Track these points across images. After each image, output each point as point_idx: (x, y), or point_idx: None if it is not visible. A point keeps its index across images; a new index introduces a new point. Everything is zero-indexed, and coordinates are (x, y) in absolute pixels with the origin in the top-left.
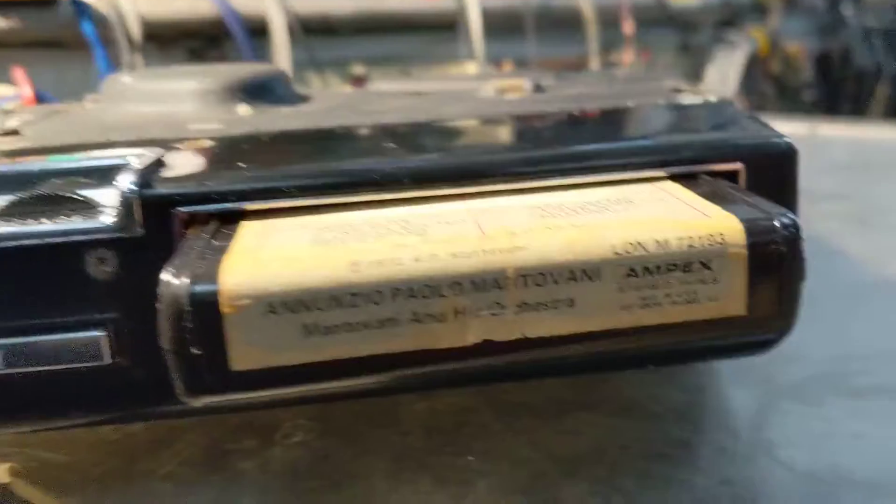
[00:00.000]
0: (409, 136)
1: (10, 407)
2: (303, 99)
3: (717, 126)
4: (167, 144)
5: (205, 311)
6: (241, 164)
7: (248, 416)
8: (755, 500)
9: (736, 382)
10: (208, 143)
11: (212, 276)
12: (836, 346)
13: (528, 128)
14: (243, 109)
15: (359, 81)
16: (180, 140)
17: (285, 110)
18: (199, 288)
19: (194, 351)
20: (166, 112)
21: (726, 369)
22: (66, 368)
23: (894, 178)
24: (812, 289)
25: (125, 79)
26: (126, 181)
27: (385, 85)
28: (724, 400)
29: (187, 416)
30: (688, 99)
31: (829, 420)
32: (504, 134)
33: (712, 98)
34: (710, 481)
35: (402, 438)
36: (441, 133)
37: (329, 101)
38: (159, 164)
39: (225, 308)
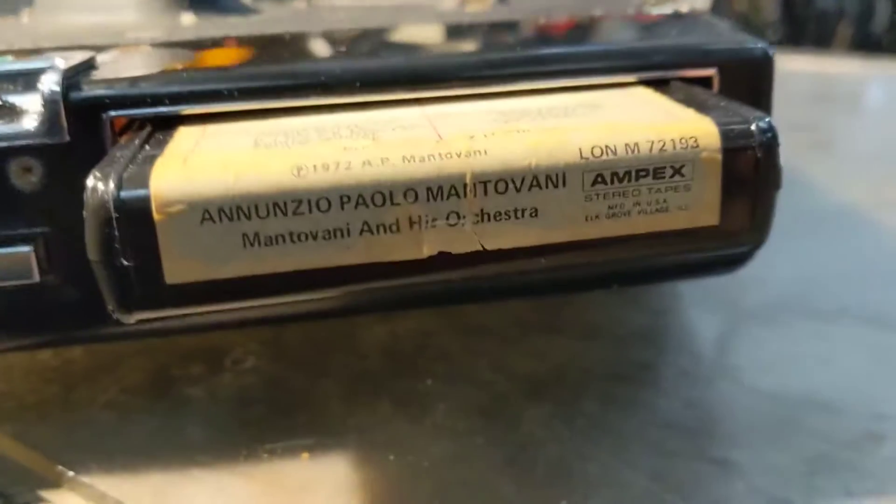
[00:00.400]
0: (361, 41)
1: None
2: (251, 10)
3: (689, 32)
4: (101, 49)
5: (134, 219)
6: (178, 66)
7: (196, 341)
8: (719, 421)
9: (700, 305)
10: (145, 49)
11: (142, 181)
12: (800, 269)
13: (491, 34)
14: (188, 18)
15: None
16: (117, 45)
17: (232, 20)
18: (128, 193)
19: (124, 262)
20: (104, 21)
21: (690, 293)
22: None
23: (857, 110)
24: (776, 214)
25: None
26: (50, 83)
27: None
28: (688, 323)
29: (126, 340)
30: (659, 8)
31: (794, 343)
32: (463, 39)
33: (684, 8)
34: (674, 403)
35: (359, 362)
36: (395, 39)
37: (279, 12)
38: (90, 66)
39: (156, 215)
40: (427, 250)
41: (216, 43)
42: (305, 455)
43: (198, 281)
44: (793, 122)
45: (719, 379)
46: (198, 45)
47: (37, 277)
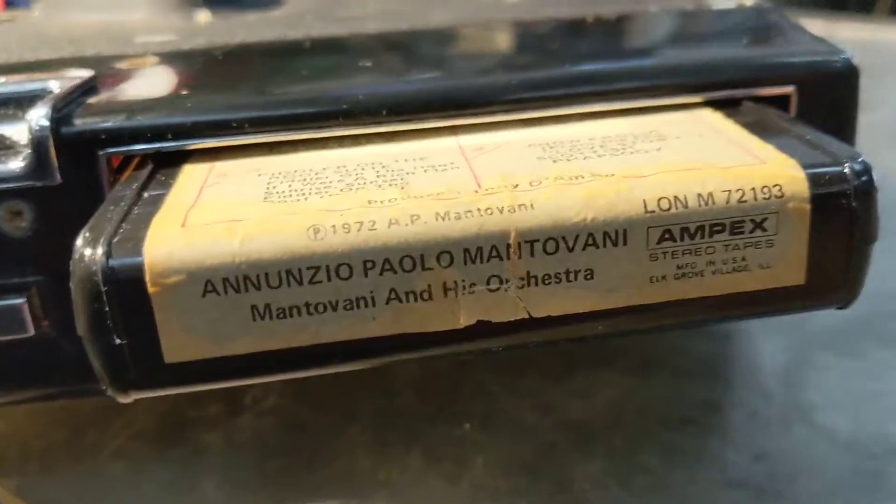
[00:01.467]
0: (389, 51)
1: None
2: (272, 2)
3: (762, 40)
4: (105, 63)
5: (126, 292)
6: (184, 90)
7: None
8: (794, 479)
9: (764, 329)
10: (151, 61)
11: (135, 246)
12: (876, 281)
13: (533, 39)
14: (203, 16)
15: None
16: (121, 57)
17: (251, 17)
18: (118, 261)
19: (116, 340)
20: (114, 21)
21: None
22: None
23: None
24: None
25: None
26: (38, 116)
27: None
28: (754, 351)
29: None
30: (720, 2)
31: (869, 376)
32: (503, 47)
33: (748, 1)
34: (744, 456)
35: (389, 402)
36: (426, 47)
37: (302, 4)
38: (87, 90)
39: (151, 287)
40: (464, 320)
41: (228, 54)
42: None
43: (202, 359)
44: None
45: (792, 422)
46: (208, 56)
47: (31, 331)
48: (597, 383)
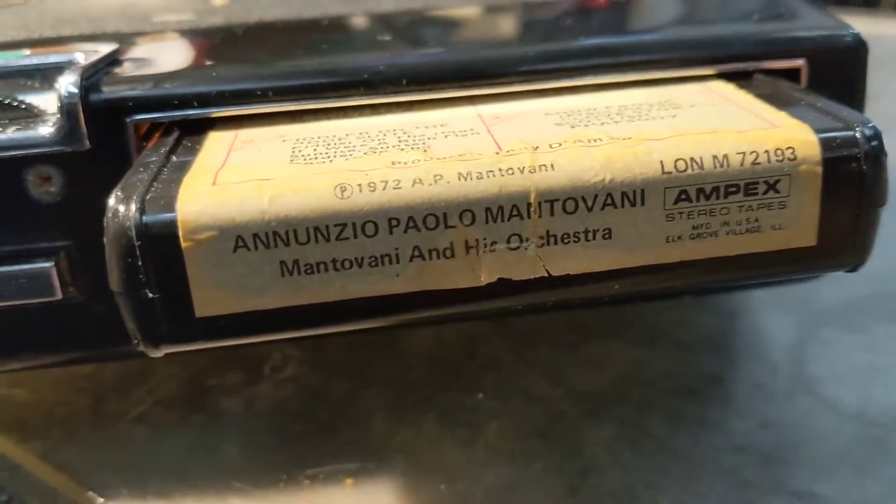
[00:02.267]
0: (408, 26)
1: None
2: None
3: (773, 15)
4: (126, 39)
5: (160, 247)
6: (207, 61)
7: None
8: (799, 445)
9: (772, 306)
10: (172, 36)
11: (168, 203)
12: (873, 264)
13: (550, 14)
14: None
15: None
16: (142, 33)
17: None
18: (152, 217)
19: (149, 294)
20: (131, 2)
21: (761, 291)
22: (12, 305)
23: None
24: None
25: None
26: (67, 83)
27: None
28: (760, 327)
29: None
30: None
31: (875, 350)
32: (522, 22)
33: None
34: (749, 423)
35: (404, 371)
36: (445, 22)
37: None
38: (112, 61)
39: (185, 242)
40: (485, 277)
41: (248, 30)
42: (349, 481)
43: (231, 313)
44: None
45: (797, 394)
46: (228, 33)
47: (59, 294)
48: (606, 354)
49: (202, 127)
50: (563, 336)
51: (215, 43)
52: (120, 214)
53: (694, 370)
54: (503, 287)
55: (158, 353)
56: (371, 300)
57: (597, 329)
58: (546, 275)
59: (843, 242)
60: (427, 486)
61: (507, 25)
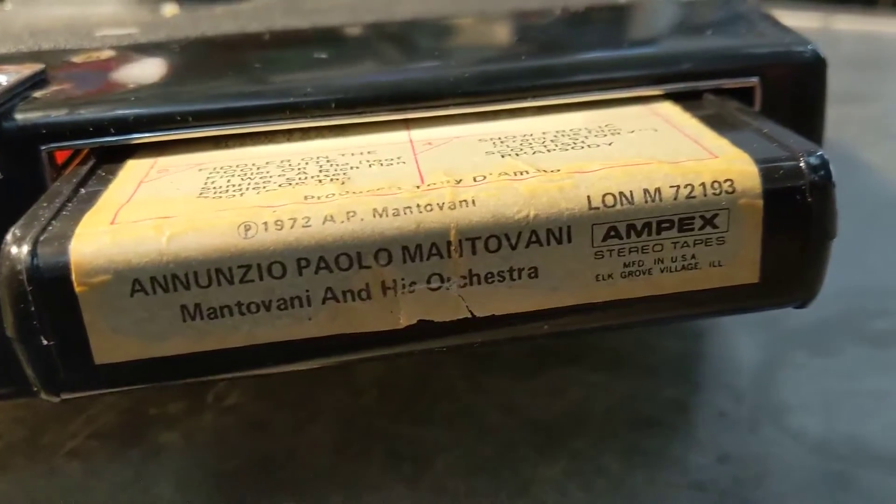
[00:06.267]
0: (347, 43)
1: None
2: None
3: (726, 31)
4: (60, 57)
5: (53, 291)
6: (131, 83)
7: None
8: (757, 482)
9: (739, 327)
10: (106, 55)
11: (61, 245)
12: (850, 279)
13: (492, 30)
14: (170, 9)
15: None
16: (77, 51)
17: (218, 9)
18: (44, 260)
19: (44, 341)
20: (80, 15)
21: None
22: None
23: None
24: None
25: None
26: None
27: None
28: (726, 349)
29: None
30: None
31: (845, 375)
32: (459, 42)
33: None
34: (709, 458)
35: (352, 400)
36: (385, 40)
37: None
38: (36, 83)
39: (78, 287)
40: (405, 320)
41: (185, 47)
42: None
43: (133, 360)
44: (844, 92)
45: (761, 423)
46: (163, 49)
47: None
48: (564, 381)
49: (123, 154)
50: (520, 361)
51: (146, 62)
52: (12, 256)
53: (656, 397)
54: (424, 329)
55: (58, 400)
56: (282, 345)
57: (557, 353)
58: (470, 316)
59: (788, 278)
60: None
61: (444, 45)
